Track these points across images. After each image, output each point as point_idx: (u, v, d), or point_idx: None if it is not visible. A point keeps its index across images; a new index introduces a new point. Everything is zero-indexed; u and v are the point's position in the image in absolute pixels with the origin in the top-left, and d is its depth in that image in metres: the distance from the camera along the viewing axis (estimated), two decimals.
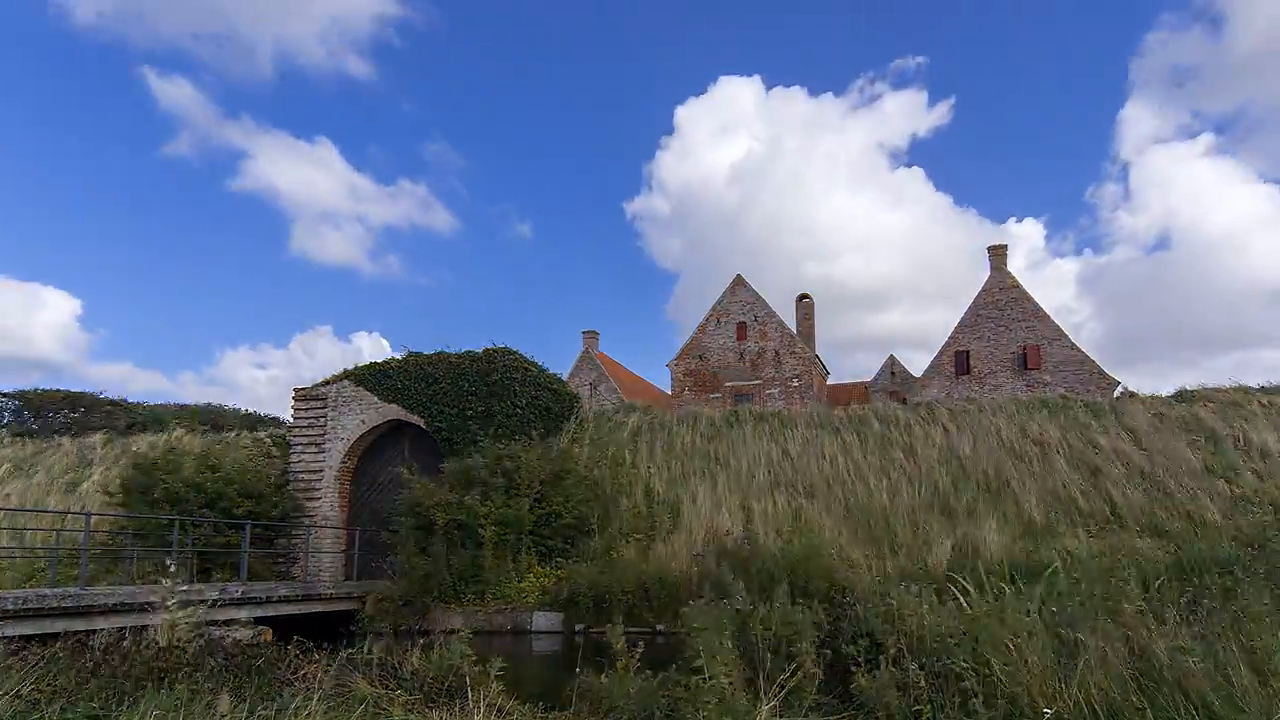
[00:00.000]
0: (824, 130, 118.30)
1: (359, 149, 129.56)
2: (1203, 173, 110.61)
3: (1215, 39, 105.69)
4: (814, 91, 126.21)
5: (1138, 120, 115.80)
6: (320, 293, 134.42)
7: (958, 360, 40.25)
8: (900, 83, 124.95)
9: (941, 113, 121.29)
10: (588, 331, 54.73)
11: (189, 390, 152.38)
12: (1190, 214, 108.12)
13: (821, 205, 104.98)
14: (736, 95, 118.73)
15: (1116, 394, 32.94)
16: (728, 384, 43.32)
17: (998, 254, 41.07)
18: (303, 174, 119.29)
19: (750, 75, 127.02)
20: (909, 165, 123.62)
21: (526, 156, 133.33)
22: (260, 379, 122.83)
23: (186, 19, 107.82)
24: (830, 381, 51.09)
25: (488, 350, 23.28)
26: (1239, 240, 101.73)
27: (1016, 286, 40.17)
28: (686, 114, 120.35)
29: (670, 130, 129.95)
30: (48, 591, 12.73)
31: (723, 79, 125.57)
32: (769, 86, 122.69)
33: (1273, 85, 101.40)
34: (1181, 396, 23.03)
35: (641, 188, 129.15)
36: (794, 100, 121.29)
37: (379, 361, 23.87)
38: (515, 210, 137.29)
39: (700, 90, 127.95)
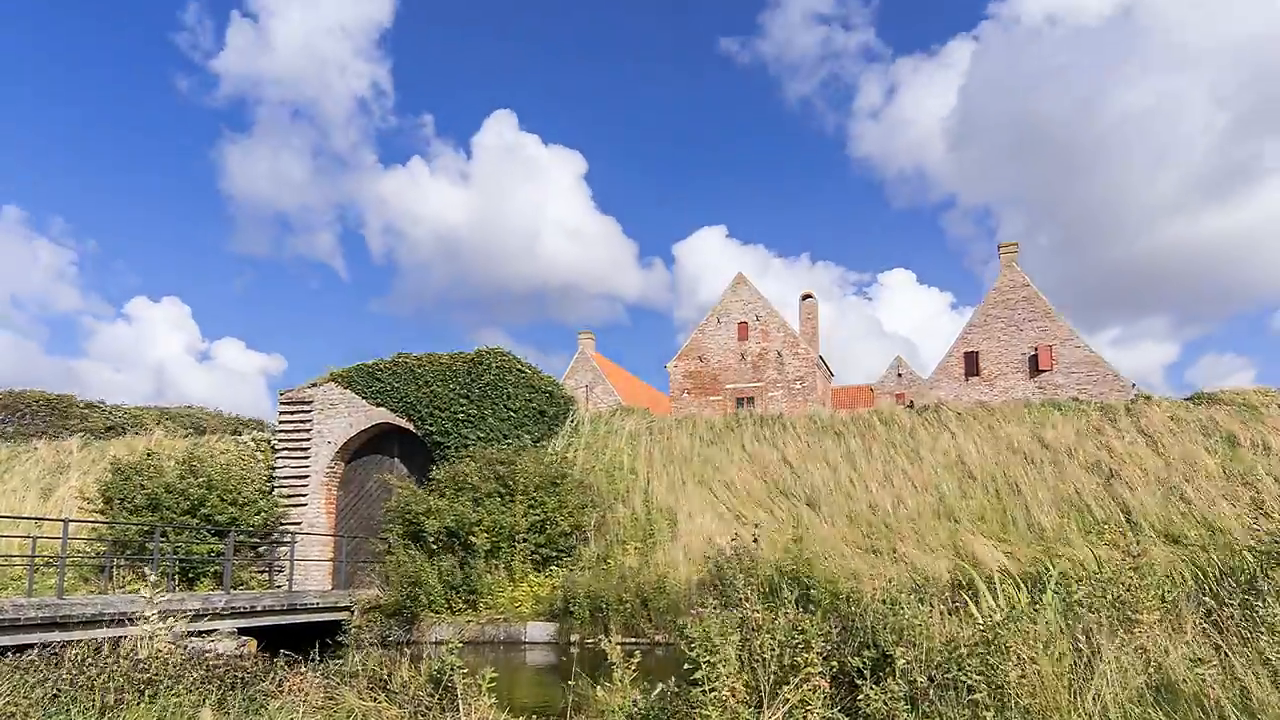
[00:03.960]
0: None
1: None
2: None
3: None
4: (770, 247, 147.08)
5: None
6: None
7: (967, 361, 40.28)
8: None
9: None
10: (584, 332, 54.75)
11: None
12: None
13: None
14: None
15: (1131, 396, 32.97)
16: (728, 386, 43.32)
17: (1008, 251, 41.08)
18: None
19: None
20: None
21: None
22: None
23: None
24: (835, 384, 51.13)
25: (479, 351, 23.19)
26: None
27: (1028, 286, 40.19)
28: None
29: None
30: (23, 601, 12.70)
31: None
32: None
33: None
34: (1198, 399, 23.03)
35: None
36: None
37: (366, 363, 23.75)
38: None
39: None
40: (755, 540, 15.91)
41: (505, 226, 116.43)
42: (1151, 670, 5.79)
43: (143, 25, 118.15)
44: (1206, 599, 7.58)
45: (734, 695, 6.00)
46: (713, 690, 6.04)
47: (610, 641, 7.18)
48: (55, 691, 7.11)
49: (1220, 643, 5.90)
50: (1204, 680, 5.20)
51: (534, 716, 8.52)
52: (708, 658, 6.27)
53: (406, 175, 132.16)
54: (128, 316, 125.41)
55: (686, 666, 6.59)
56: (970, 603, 8.04)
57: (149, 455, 22.71)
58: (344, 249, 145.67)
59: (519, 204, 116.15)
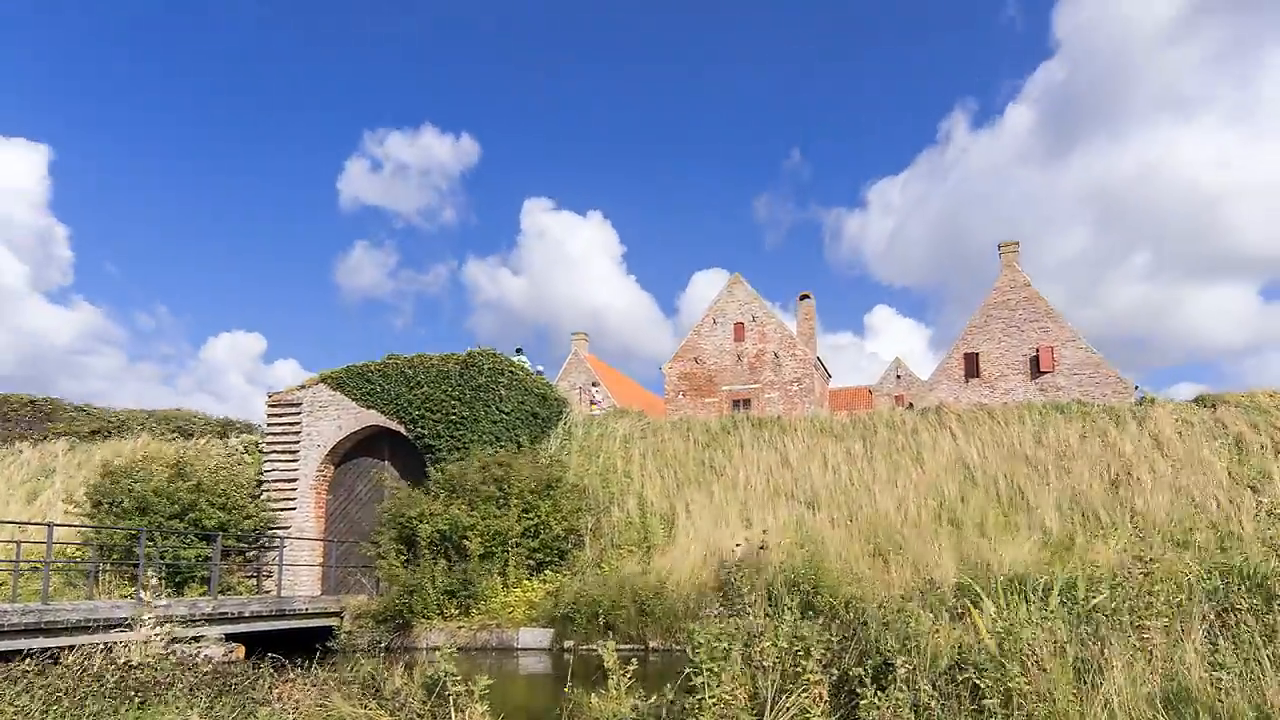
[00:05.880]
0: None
1: None
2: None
3: None
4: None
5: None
6: None
7: (967, 363, 40.29)
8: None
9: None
10: (577, 333, 54.69)
11: None
12: None
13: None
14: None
15: (1134, 398, 33.01)
16: (724, 388, 43.28)
17: (1008, 251, 41.10)
18: None
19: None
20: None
21: None
22: None
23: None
24: (832, 385, 51.14)
25: (471, 352, 23.06)
26: None
27: (1028, 286, 40.22)
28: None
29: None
30: (7, 607, 12.63)
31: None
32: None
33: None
34: (1204, 401, 23.03)
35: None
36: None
37: (357, 364, 23.64)
38: None
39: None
40: (763, 546, 15.93)
41: (565, 304, 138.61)
42: (1161, 676, 5.77)
43: (271, 169, 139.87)
44: (1216, 604, 7.55)
45: (734, 703, 5.98)
46: (712, 698, 6.02)
47: (608, 648, 7.15)
48: (46, 702, 7.06)
49: (1232, 648, 5.88)
50: (1220, 685, 5.18)
51: None
52: (708, 664, 6.24)
53: (480, 267, 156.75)
54: (204, 361, 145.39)
55: (686, 673, 6.56)
56: (974, 609, 8.01)
57: (144, 459, 22.58)
58: (420, 321, 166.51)
59: (573, 286, 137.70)
